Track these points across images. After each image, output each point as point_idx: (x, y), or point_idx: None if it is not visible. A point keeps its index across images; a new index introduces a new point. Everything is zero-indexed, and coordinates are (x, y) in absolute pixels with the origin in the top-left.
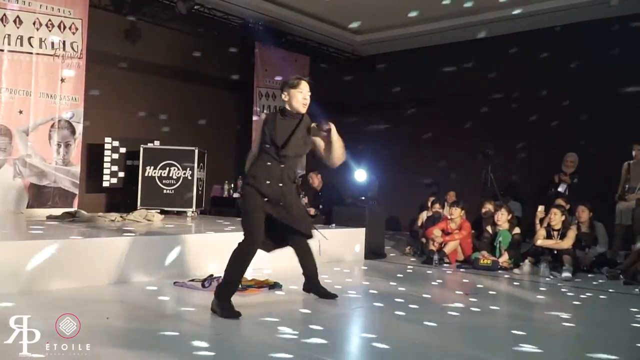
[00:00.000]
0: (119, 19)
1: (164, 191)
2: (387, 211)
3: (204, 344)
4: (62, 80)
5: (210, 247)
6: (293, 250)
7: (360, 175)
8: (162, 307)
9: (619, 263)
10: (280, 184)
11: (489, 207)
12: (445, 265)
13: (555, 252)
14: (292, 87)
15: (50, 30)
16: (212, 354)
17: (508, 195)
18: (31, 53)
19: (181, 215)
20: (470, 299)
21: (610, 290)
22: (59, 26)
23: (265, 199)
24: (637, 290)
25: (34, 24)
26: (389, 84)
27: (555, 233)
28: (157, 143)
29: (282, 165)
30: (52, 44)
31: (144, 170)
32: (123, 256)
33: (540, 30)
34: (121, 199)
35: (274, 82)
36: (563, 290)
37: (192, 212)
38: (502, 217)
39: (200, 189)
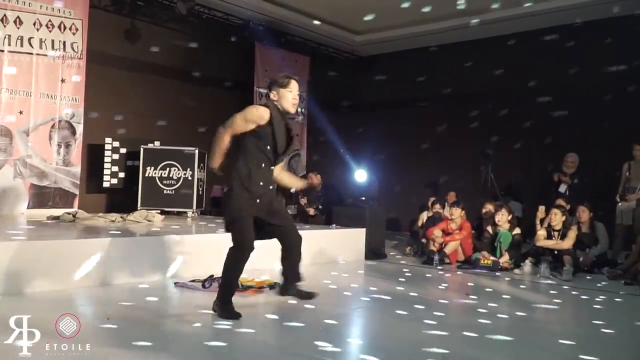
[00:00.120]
0: (119, 20)
1: (164, 192)
2: (387, 211)
3: (205, 344)
4: (63, 80)
5: (211, 248)
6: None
7: (361, 175)
8: (163, 308)
9: (620, 263)
10: (271, 187)
11: (489, 207)
12: (445, 265)
13: (556, 252)
14: (281, 86)
15: (50, 31)
16: (213, 354)
17: (508, 195)
18: (31, 54)
19: (181, 215)
20: (471, 300)
21: (611, 291)
22: (59, 27)
23: (257, 201)
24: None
25: (34, 24)
26: (388, 84)
27: (556, 233)
28: (157, 143)
29: (273, 168)
30: (52, 44)
31: (144, 171)
32: (124, 257)
33: (540, 30)
34: (121, 200)
35: None
36: (563, 290)
37: (193, 212)
38: (503, 218)
39: (200, 189)
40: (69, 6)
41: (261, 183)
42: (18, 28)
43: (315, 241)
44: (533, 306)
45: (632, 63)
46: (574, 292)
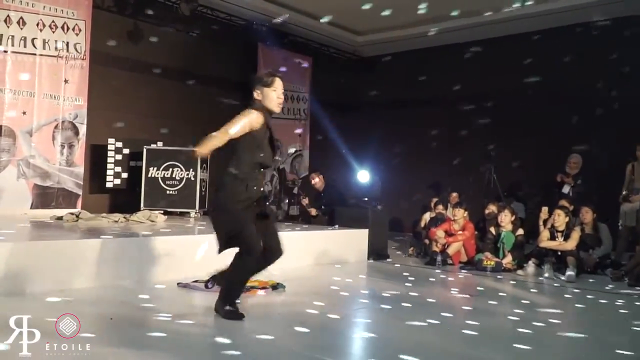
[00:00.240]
0: (122, 20)
1: (167, 192)
2: (390, 212)
3: (206, 345)
4: (66, 81)
5: (214, 248)
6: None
7: (363, 176)
8: (166, 308)
9: (623, 264)
10: (262, 189)
11: (492, 208)
12: (448, 266)
13: (559, 253)
14: (265, 85)
15: (53, 32)
16: (215, 354)
17: (511, 196)
18: (35, 54)
19: (184, 216)
20: (474, 300)
21: (615, 292)
22: (62, 27)
23: (254, 204)
24: None
25: (37, 25)
26: (390, 85)
27: (559, 234)
28: (160, 144)
29: (263, 170)
30: (56, 45)
31: (147, 171)
32: (126, 257)
33: (540, 30)
34: (124, 200)
35: None
36: (566, 291)
37: (195, 212)
38: (506, 218)
39: (203, 189)
40: (72, 7)
41: (254, 188)
42: (21, 29)
43: (318, 242)
44: (535, 307)
45: (632, 63)
46: (576, 293)
